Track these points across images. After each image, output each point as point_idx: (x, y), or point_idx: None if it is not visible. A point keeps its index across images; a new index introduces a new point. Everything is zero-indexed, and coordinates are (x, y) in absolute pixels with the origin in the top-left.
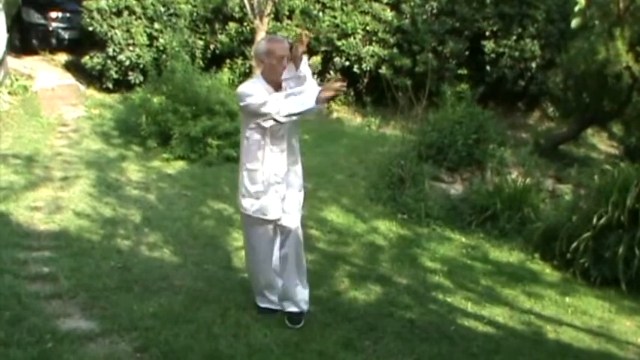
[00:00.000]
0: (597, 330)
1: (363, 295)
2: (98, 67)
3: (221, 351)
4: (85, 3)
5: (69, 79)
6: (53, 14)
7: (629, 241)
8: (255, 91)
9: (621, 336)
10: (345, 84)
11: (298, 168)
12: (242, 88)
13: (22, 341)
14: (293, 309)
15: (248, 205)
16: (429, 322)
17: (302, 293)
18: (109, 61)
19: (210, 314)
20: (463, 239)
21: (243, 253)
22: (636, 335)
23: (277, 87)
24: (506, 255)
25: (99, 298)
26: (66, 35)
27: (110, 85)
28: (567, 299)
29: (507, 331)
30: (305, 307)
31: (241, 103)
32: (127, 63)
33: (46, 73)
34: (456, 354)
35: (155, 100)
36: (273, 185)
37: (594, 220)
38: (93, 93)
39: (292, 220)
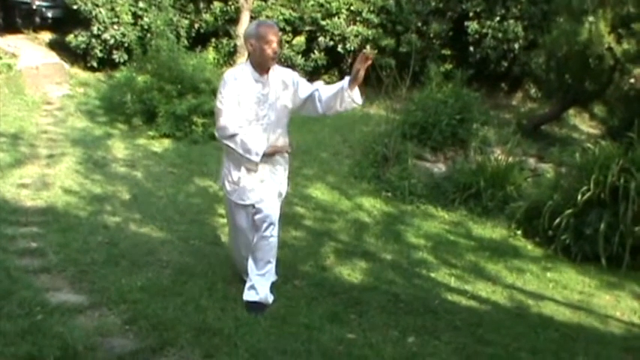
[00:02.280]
0: (578, 304)
1: (348, 271)
2: (82, 45)
3: (209, 323)
4: None
5: (53, 57)
6: None
7: (610, 218)
8: (234, 83)
9: (601, 310)
10: (289, 149)
11: (284, 156)
12: (226, 75)
13: (12, 314)
14: (250, 298)
15: (230, 188)
16: (413, 297)
17: (260, 283)
18: (93, 40)
19: (198, 288)
20: (446, 216)
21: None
22: (615, 309)
23: (264, 72)
24: (489, 232)
25: (87, 272)
26: (50, 14)
27: (94, 64)
28: (549, 274)
29: (490, 305)
30: (263, 297)
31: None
32: (112, 42)
33: (30, 51)
34: (440, 327)
35: (140, 78)
36: (252, 170)
37: (576, 198)
38: (77, 72)
39: (269, 206)
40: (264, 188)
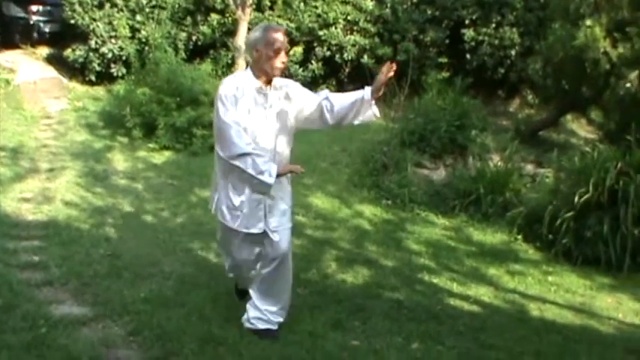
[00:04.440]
0: (579, 307)
1: (350, 278)
2: (80, 59)
3: (214, 333)
4: None
5: (51, 72)
6: (34, 7)
7: (610, 221)
8: (236, 93)
9: (602, 312)
10: (303, 169)
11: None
12: (225, 85)
13: (16, 327)
14: (261, 326)
15: (230, 216)
16: (416, 303)
17: (272, 316)
18: (91, 54)
19: (201, 298)
20: (447, 223)
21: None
22: (616, 311)
23: (268, 82)
24: (490, 237)
25: (90, 285)
26: (47, 28)
27: (93, 78)
28: (550, 278)
29: (492, 310)
30: (274, 324)
31: (215, 100)
32: (110, 55)
33: (28, 66)
34: (443, 332)
35: (139, 91)
36: (260, 193)
37: (575, 201)
38: (75, 86)
39: (283, 237)
40: (274, 213)
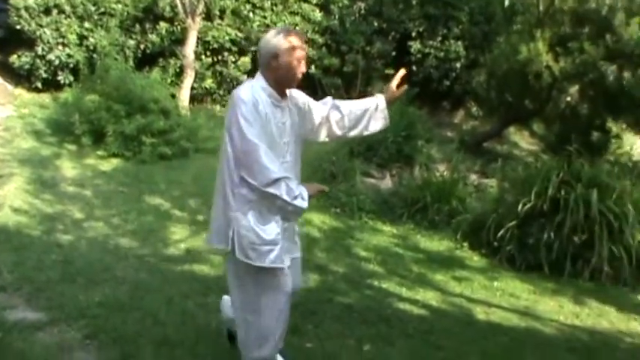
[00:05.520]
0: (524, 310)
1: (302, 284)
2: (26, 66)
3: (169, 336)
4: (12, 1)
5: None
6: None
7: (551, 228)
8: (257, 108)
9: (545, 315)
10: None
11: None
12: (243, 98)
13: None
14: None
15: (258, 252)
16: (366, 307)
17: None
18: (37, 61)
19: (156, 303)
20: (394, 231)
21: (183, 245)
22: (558, 313)
23: (284, 95)
24: (437, 244)
25: (43, 290)
26: None
27: (39, 85)
28: (495, 283)
29: (440, 313)
30: None
31: (232, 119)
32: (57, 62)
33: None
34: (393, 334)
35: (88, 98)
36: (284, 221)
37: (519, 209)
38: (21, 92)
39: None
40: (294, 237)
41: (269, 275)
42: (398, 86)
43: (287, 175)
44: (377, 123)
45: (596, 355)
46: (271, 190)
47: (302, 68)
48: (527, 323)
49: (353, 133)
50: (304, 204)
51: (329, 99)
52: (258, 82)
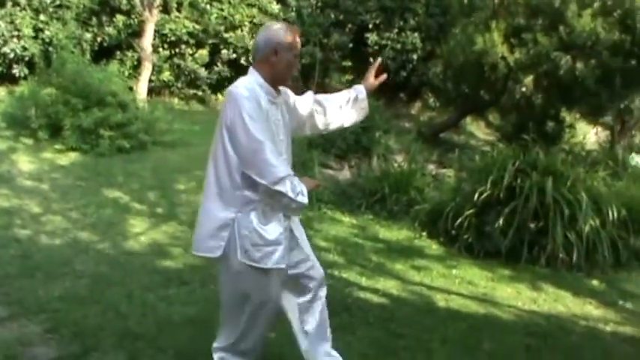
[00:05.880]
0: (482, 297)
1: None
2: None
3: (131, 329)
4: None
5: None
6: None
7: (508, 216)
8: (258, 104)
9: (503, 301)
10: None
11: None
12: (242, 94)
13: None
14: None
15: (262, 253)
16: (327, 296)
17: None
18: None
19: (116, 296)
20: (354, 221)
21: (142, 238)
22: (516, 299)
23: (278, 92)
24: (396, 234)
25: (2, 285)
26: None
27: None
28: (454, 271)
29: (400, 302)
30: None
31: (234, 117)
32: (12, 55)
33: None
34: (354, 323)
35: (45, 92)
36: (287, 219)
37: (476, 198)
38: None
39: (315, 260)
40: (301, 237)
41: (269, 276)
42: (375, 76)
43: (291, 172)
44: (358, 114)
45: (553, 338)
46: (279, 187)
47: (296, 65)
48: (486, 309)
49: (335, 126)
50: (305, 200)
51: (309, 93)
52: (255, 78)
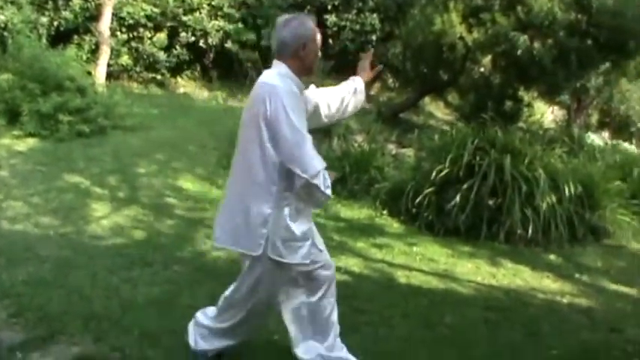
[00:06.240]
0: (443, 273)
1: (224, 255)
2: None
3: (96, 311)
4: None
5: None
6: None
7: (467, 194)
8: (294, 97)
9: (463, 276)
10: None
11: None
12: (281, 87)
13: None
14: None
15: (286, 251)
16: None
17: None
18: None
19: (80, 279)
20: None
21: (105, 222)
22: (475, 275)
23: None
24: (357, 213)
25: None
26: None
27: None
28: (415, 249)
29: (362, 279)
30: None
31: (276, 111)
32: None
33: None
34: None
35: (1, 77)
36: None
37: (435, 176)
38: None
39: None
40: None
41: (289, 271)
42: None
43: (325, 164)
44: (356, 105)
45: (512, 311)
46: (316, 181)
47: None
48: (447, 285)
49: (335, 119)
50: (330, 192)
51: (312, 87)
52: (284, 70)
